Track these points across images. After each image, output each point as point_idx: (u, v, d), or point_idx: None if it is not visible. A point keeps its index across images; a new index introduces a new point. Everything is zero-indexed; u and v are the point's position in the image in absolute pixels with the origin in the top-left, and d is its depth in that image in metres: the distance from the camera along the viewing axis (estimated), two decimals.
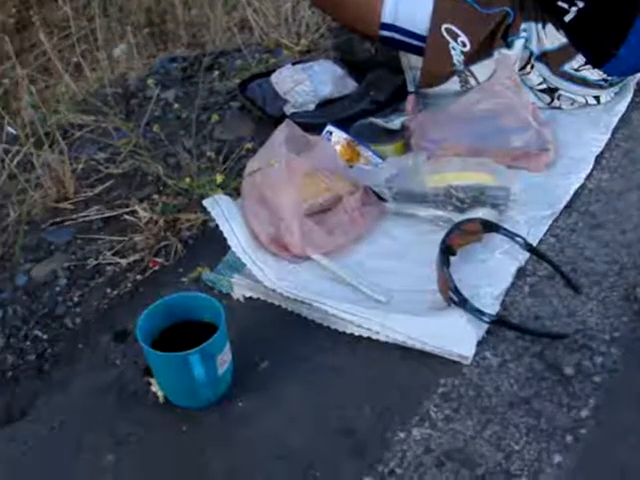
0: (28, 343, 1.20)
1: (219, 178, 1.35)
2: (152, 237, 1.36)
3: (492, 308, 1.15)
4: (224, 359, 1.02)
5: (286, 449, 1.00)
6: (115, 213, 1.43)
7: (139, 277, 1.30)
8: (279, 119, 1.49)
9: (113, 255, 1.34)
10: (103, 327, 1.22)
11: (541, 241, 1.29)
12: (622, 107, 1.62)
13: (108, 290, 1.28)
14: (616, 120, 1.59)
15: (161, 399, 1.06)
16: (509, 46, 1.52)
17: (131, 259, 1.33)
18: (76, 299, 1.27)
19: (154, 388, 1.07)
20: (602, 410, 1.01)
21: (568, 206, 1.37)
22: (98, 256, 1.34)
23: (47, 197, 1.48)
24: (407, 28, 1.52)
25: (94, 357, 1.16)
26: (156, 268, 1.31)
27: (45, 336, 1.21)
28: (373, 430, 1.01)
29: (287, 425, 1.03)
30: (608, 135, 1.54)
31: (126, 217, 1.41)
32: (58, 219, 1.44)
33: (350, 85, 1.69)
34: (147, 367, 1.07)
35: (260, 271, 1.21)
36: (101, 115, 1.65)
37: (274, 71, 1.72)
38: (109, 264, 1.33)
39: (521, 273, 1.23)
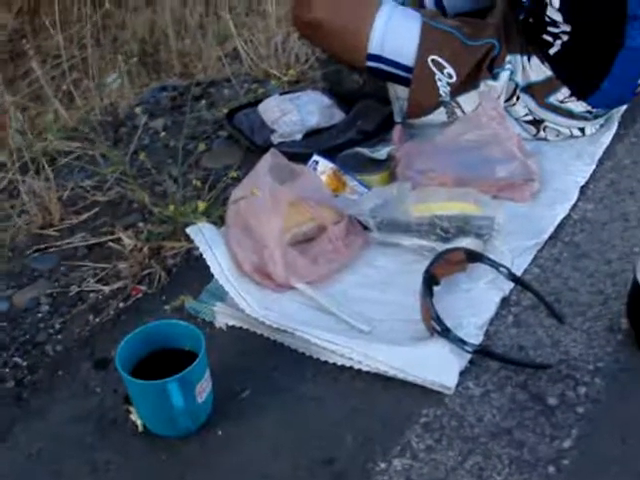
0: (7, 370, 1.19)
1: (201, 205, 1.36)
2: (136, 265, 1.35)
3: (476, 338, 1.14)
4: (204, 387, 1.01)
5: (266, 478, 0.99)
6: (100, 240, 1.43)
7: (122, 305, 1.29)
8: (266, 149, 1.49)
9: (96, 282, 1.34)
10: (84, 355, 1.21)
11: (525, 271, 1.29)
12: (607, 139, 1.63)
13: (90, 317, 1.28)
14: (601, 151, 1.59)
15: (140, 428, 1.05)
16: (495, 78, 1.53)
17: (114, 286, 1.32)
18: (58, 326, 1.26)
19: (133, 417, 1.05)
20: (585, 440, 1.00)
21: (553, 236, 1.37)
22: (81, 283, 1.34)
23: (32, 224, 1.48)
24: (394, 59, 1.53)
25: (74, 385, 1.15)
26: (139, 296, 1.30)
27: (25, 363, 1.20)
28: (354, 460, 1.00)
29: (268, 454, 1.02)
30: (593, 166, 1.55)
31: (111, 244, 1.41)
32: (42, 246, 1.44)
33: (337, 115, 1.69)
34: (127, 395, 1.06)
35: (243, 300, 1.21)
36: (88, 142, 1.66)
37: (262, 101, 1.73)
38: (92, 291, 1.32)
39: (505, 303, 1.23)
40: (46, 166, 1.54)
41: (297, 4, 1.61)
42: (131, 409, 1.06)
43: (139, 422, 1.05)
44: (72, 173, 1.64)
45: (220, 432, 1.05)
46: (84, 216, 1.50)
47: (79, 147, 1.65)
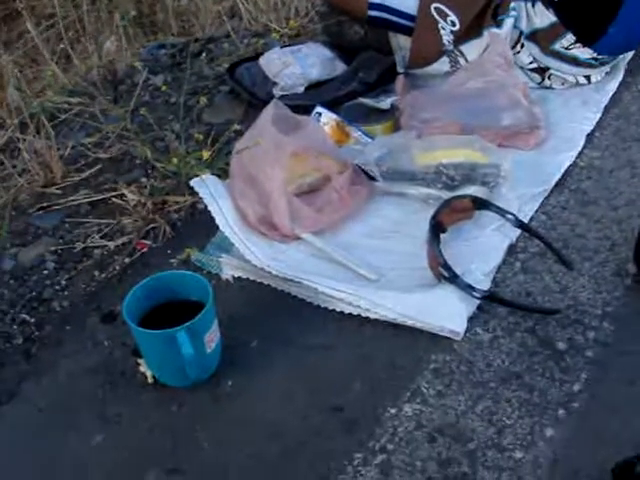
0: (15, 327, 1.19)
1: (205, 154, 1.34)
2: (140, 220, 1.35)
3: (483, 284, 1.14)
4: (212, 337, 1.01)
5: (277, 427, 0.99)
6: (103, 197, 1.42)
7: (127, 260, 1.29)
8: (268, 102, 1.47)
9: (101, 238, 1.33)
10: (91, 310, 1.21)
11: (532, 218, 1.28)
12: (613, 86, 1.62)
13: (96, 273, 1.27)
14: (607, 99, 1.58)
15: (150, 379, 1.05)
16: (499, 25, 1.51)
17: (119, 242, 1.32)
18: (64, 282, 1.26)
19: (142, 368, 1.05)
20: (594, 384, 1.00)
21: (559, 184, 1.36)
22: (86, 239, 1.33)
23: (34, 182, 1.48)
24: (396, 7, 1.51)
25: (82, 339, 1.15)
26: (144, 250, 1.30)
27: (32, 320, 1.20)
28: (364, 407, 1.00)
29: (277, 404, 1.02)
30: (599, 114, 1.53)
31: (114, 200, 1.41)
32: (45, 204, 1.43)
33: (339, 67, 1.68)
34: (135, 348, 1.06)
35: (249, 251, 1.20)
36: (88, 98, 1.64)
37: (263, 55, 1.71)
38: (97, 247, 1.32)
39: (512, 250, 1.22)
40: (47, 124, 1.52)
41: None
42: (140, 361, 1.06)
43: (149, 373, 1.05)
44: (72, 131, 1.63)
45: (229, 382, 1.05)
46: (86, 173, 1.49)
47: (79, 103, 1.63)
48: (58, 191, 1.46)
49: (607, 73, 1.64)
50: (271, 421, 1.00)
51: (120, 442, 0.99)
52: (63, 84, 1.81)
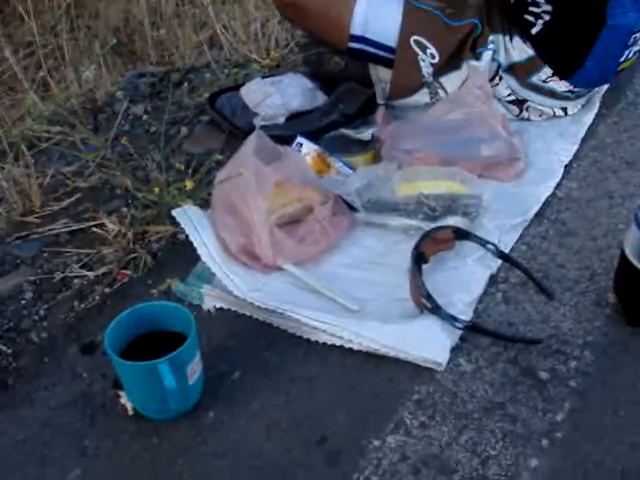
0: None
1: (189, 184, 1.34)
2: (121, 250, 1.33)
3: (465, 315, 1.14)
4: (194, 369, 1.00)
5: (260, 459, 0.98)
6: (83, 226, 1.41)
7: (107, 290, 1.27)
8: (249, 132, 1.47)
9: (81, 268, 1.32)
10: (70, 340, 1.19)
11: (513, 249, 1.29)
12: (589, 118, 1.64)
13: (75, 303, 1.26)
14: (583, 131, 1.60)
15: (130, 411, 1.04)
16: (477, 58, 1.53)
17: (99, 272, 1.30)
18: (42, 312, 1.24)
19: (123, 400, 1.04)
20: (577, 413, 1.01)
21: (539, 214, 1.37)
22: (65, 269, 1.32)
23: (12, 211, 1.46)
24: (376, 40, 1.53)
25: (61, 371, 1.13)
26: (125, 281, 1.29)
27: (9, 350, 1.17)
28: (348, 438, 0.99)
29: (260, 435, 1.01)
30: (576, 145, 1.56)
31: (94, 230, 1.39)
32: (24, 233, 1.41)
33: (320, 98, 1.69)
34: (116, 379, 1.04)
35: (231, 281, 1.20)
36: (68, 127, 1.63)
37: (243, 85, 1.72)
38: (76, 277, 1.30)
39: (493, 280, 1.23)
40: (26, 152, 1.51)
41: None
42: (120, 393, 1.04)
43: (129, 405, 1.03)
44: (52, 159, 1.62)
45: (211, 414, 1.04)
46: (66, 202, 1.48)
47: (59, 132, 1.62)
48: (37, 220, 1.45)
49: (583, 105, 1.67)
50: (254, 453, 0.99)
51: (99, 476, 0.98)
52: (41, 112, 1.80)
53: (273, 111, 1.62)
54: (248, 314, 1.19)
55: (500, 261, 1.24)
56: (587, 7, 1.47)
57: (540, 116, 1.63)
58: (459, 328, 1.10)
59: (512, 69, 1.57)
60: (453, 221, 1.26)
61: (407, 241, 1.24)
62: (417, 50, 1.52)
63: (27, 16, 2.34)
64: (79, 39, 2.66)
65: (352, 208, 1.34)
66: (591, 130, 1.62)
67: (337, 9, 1.52)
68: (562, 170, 1.48)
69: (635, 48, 1.54)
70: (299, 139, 1.47)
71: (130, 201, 1.46)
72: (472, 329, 1.11)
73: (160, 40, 2.63)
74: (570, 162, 1.51)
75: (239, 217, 1.24)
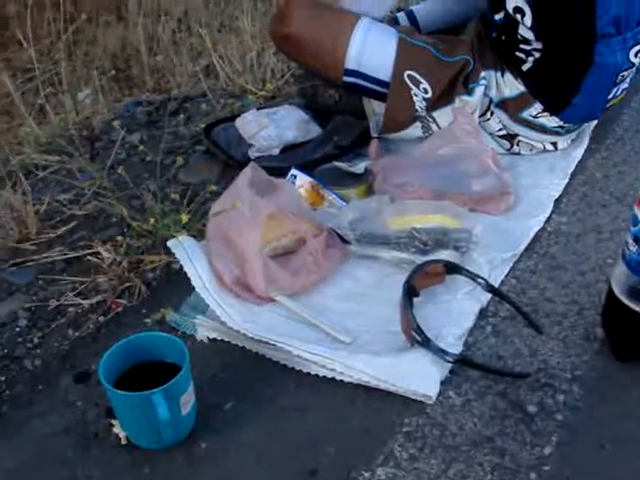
0: None
1: (184, 217, 1.36)
2: (115, 278, 1.35)
3: (455, 348, 1.16)
4: (188, 399, 1.01)
5: None
6: (78, 254, 1.43)
7: (102, 318, 1.29)
8: (244, 163, 1.50)
9: (75, 296, 1.33)
10: (64, 369, 1.20)
11: (502, 282, 1.31)
12: (578, 153, 1.67)
13: (70, 331, 1.27)
14: (573, 166, 1.63)
15: (123, 440, 1.04)
16: (470, 93, 1.56)
17: (94, 300, 1.32)
18: (36, 340, 1.25)
19: (116, 429, 1.05)
20: (565, 447, 1.02)
21: (528, 248, 1.39)
22: (60, 297, 1.33)
23: (8, 237, 1.47)
24: (370, 74, 1.55)
25: (54, 399, 1.14)
26: (119, 309, 1.30)
27: (3, 378, 1.18)
28: (337, 470, 1.00)
29: (251, 466, 1.02)
30: (566, 180, 1.58)
31: (89, 258, 1.41)
32: (19, 260, 1.43)
33: (314, 130, 1.71)
34: (109, 408, 1.06)
35: (224, 312, 1.21)
36: (66, 155, 1.65)
37: (239, 116, 1.74)
38: (71, 305, 1.32)
39: (483, 314, 1.25)
40: (23, 180, 1.53)
41: (274, 19, 1.64)
42: (114, 422, 1.05)
43: (122, 434, 1.04)
44: (48, 187, 1.64)
45: (204, 445, 1.05)
46: (61, 230, 1.50)
47: (56, 161, 1.64)
48: (32, 247, 1.46)
49: (573, 140, 1.70)
50: None
51: None
52: (37, 138, 1.82)
53: (268, 143, 1.64)
54: (241, 345, 1.20)
55: (490, 295, 1.26)
56: (576, 46, 1.50)
57: (531, 150, 1.66)
58: (449, 361, 1.12)
59: (503, 104, 1.60)
60: (444, 255, 1.28)
61: (399, 274, 1.26)
62: (410, 85, 1.55)
63: (25, 42, 2.37)
64: (76, 65, 2.69)
65: (344, 240, 1.36)
66: (581, 165, 1.64)
67: (332, 43, 1.55)
68: (552, 204, 1.51)
69: (623, 86, 1.57)
70: (293, 171, 1.49)
71: (125, 230, 1.47)
72: (462, 362, 1.13)
73: (157, 67, 2.66)
74: (560, 196, 1.54)
75: (233, 249, 1.26)
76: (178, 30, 2.70)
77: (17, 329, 1.28)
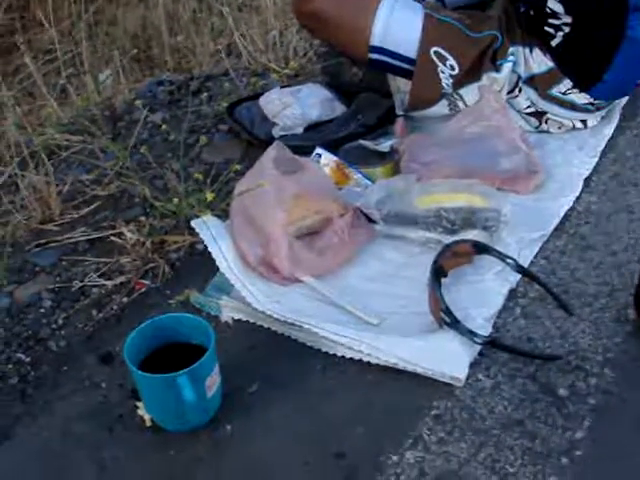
0: (10, 366, 1.17)
1: (209, 196, 1.34)
2: (139, 259, 1.34)
3: (484, 330, 1.14)
4: (213, 381, 1.00)
5: (277, 473, 0.98)
6: (101, 235, 1.42)
7: (125, 299, 1.28)
8: (268, 142, 1.48)
9: (99, 277, 1.32)
10: (88, 350, 1.19)
11: (532, 263, 1.29)
12: (609, 131, 1.63)
13: (94, 312, 1.26)
14: (603, 144, 1.59)
15: (148, 422, 1.04)
16: (497, 70, 1.52)
17: (117, 281, 1.31)
18: (61, 321, 1.25)
19: (141, 411, 1.04)
20: (597, 431, 1.00)
21: (558, 228, 1.37)
22: (84, 278, 1.32)
23: (32, 219, 1.47)
24: (396, 51, 1.52)
25: (79, 380, 1.14)
26: (143, 290, 1.29)
27: (28, 359, 1.18)
28: (365, 453, 0.99)
29: (277, 449, 1.01)
30: (596, 158, 1.55)
31: (112, 239, 1.40)
32: (43, 241, 1.42)
33: (338, 108, 1.69)
34: (134, 390, 1.05)
35: (249, 293, 1.20)
36: (88, 135, 1.64)
37: (262, 94, 1.72)
38: (95, 286, 1.31)
39: (512, 295, 1.22)
40: (46, 160, 1.52)
41: None
42: (139, 404, 1.05)
43: (147, 417, 1.03)
44: (71, 167, 1.63)
45: (229, 427, 1.04)
46: (84, 210, 1.49)
47: (78, 141, 1.63)
48: (56, 228, 1.46)
49: (603, 117, 1.66)
50: (271, 467, 0.99)
51: None
52: (60, 119, 1.81)
53: (292, 121, 1.62)
54: (266, 326, 1.19)
55: (519, 275, 1.24)
56: (607, 19, 1.47)
57: (559, 128, 1.63)
58: (478, 343, 1.10)
59: (532, 81, 1.56)
60: (472, 235, 1.26)
61: (426, 254, 1.24)
62: (437, 62, 1.51)
63: (47, 23, 2.36)
64: (97, 46, 2.68)
65: (371, 220, 1.34)
66: (611, 143, 1.61)
67: (357, 20, 1.52)
68: (581, 183, 1.47)
69: None
70: (318, 150, 1.47)
71: (148, 210, 1.46)
72: (491, 344, 1.11)
73: (178, 47, 2.65)
74: (590, 175, 1.51)
75: (258, 229, 1.24)
76: (199, 10, 2.67)
77: (41, 310, 1.27)
